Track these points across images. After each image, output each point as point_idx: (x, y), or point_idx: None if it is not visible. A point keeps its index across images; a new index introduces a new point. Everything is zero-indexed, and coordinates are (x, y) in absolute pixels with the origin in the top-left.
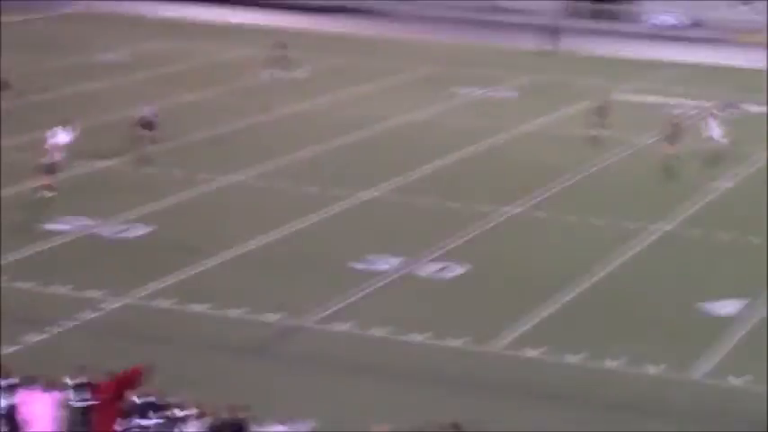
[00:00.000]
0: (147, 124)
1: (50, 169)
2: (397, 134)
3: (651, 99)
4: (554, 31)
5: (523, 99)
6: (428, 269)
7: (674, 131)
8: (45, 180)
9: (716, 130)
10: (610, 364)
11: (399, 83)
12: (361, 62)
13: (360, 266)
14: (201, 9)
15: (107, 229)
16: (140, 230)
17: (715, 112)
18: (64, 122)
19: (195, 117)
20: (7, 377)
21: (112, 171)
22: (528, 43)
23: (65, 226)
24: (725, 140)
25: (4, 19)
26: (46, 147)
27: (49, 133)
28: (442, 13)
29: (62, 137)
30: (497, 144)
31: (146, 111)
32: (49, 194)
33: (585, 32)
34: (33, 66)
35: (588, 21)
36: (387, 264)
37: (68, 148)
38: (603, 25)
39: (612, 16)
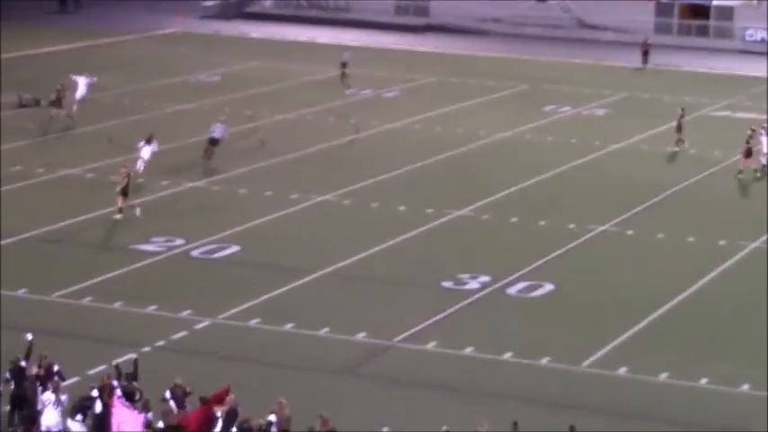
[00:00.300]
0: (214, 141)
1: (124, 191)
2: (488, 152)
3: (742, 115)
4: (645, 48)
5: (614, 116)
6: (516, 287)
7: (750, 146)
8: (120, 202)
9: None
10: (697, 383)
11: (491, 101)
12: (452, 81)
13: (449, 285)
14: (292, 29)
15: (196, 249)
16: (229, 250)
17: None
18: (148, 138)
19: (286, 137)
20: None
21: (202, 191)
22: (619, 60)
23: (154, 246)
24: None
25: (100, 41)
26: (123, 169)
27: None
28: (533, 31)
29: (146, 151)
30: (588, 162)
31: (216, 130)
32: (118, 216)
33: (676, 48)
34: (125, 86)
35: (679, 37)
36: (476, 282)
37: (153, 163)
38: (694, 41)
39: (703, 32)
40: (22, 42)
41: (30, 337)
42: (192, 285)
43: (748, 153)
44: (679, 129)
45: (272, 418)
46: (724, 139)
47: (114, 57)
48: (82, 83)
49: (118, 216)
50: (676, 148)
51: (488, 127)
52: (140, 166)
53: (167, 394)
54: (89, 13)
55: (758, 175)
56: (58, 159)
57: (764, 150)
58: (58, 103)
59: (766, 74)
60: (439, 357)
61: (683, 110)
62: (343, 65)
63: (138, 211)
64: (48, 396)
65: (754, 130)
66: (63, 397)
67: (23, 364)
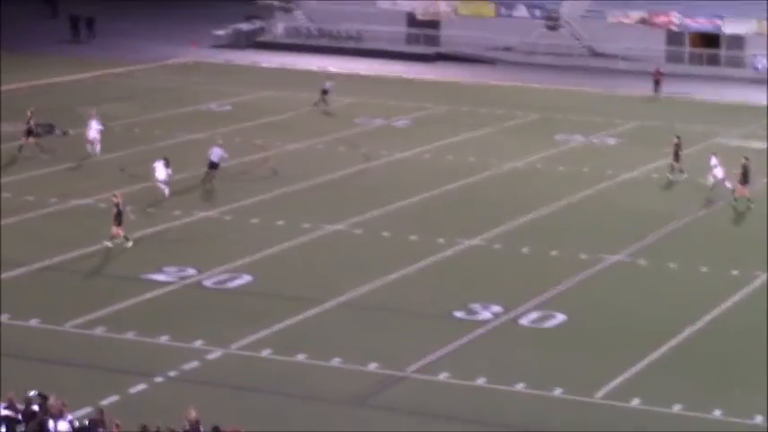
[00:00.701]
0: (213, 165)
1: (118, 219)
2: (499, 182)
3: (754, 144)
4: (657, 77)
5: (626, 145)
6: (529, 318)
7: (744, 173)
8: (115, 230)
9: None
10: (710, 414)
11: (501, 130)
12: (462, 110)
13: (461, 315)
14: (303, 58)
15: (209, 279)
16: (242, 280)
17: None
18: (165, 160)
19: (297, 166)
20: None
21: (214, 220)
22: (630, 89)
23: (166, 276)
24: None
25: (113, 70)
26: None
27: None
28: (544, 59)
29: (160, 172)
30: (599, 191)
31: (213, 154)
32: (110, 244)
33: (688, 77)
34: (137, 116)
35: (690, 65)
36: (488, 312)
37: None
38: (705, 70)
39: (714, 61)
40: (35, 72)
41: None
42: (205, 315)
43: (744, 180)
44: (676, 157)
45: None
46: (736, 169)
47: (126, 86)
48: (94, 126)
49: (108, 243)
50: (671, 176)
51: (499, 156)
52: (164, 189)
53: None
54: (102, 42)
55: (751, 205)
56: (71, 189)
57: (719, 176)
58: (29, 132)
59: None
60: (451, 388)
61: (678, 138)
62: (324, 92)
63: (129, 243)
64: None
65: (747, 159)
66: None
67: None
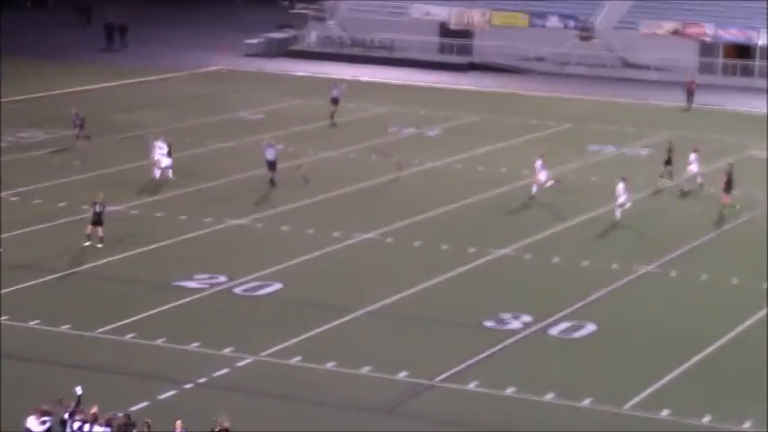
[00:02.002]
0: (272, 164)
1: (98, 220)
2: (530, 192)
3: None
4: (690, 88)
5: (658, 156)
6: (558, 328)
7: (728, 180)
8: (90, 229)
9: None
10: (740, 426)
11: (533, 140)
12: (494, 119)
13: (490, 324)
14: (335, 67)
15: (239, 286)
16: (272, 287)
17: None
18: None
19: (328, 174)
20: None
21: (244, 228)
22: (663, 100)
23: (197, 283)
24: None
25: (145, 78)
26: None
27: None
28: (576, 70)
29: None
30: (633, 202)
31: (268, 152)
32: (96, 245)
33: (720, 88)
34: (169, 124)
35: (723, 77)
36: (518, 322)
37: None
38: (738, 81)
39: (747, 72)
40: (68, 80)
41: (79, 391)
42: (235, 323)
43: (728, 188)
44: (668, 162)
45: None
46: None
47: (158, 94)
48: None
49: (87, 243)
50: (662, 182)
51: (531, 166)
52: (158, 173)
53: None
54: (134, 50)
55: (737, 207)
56: (103, 196)
57: (694, 170)
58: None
59: None
60: (480, 397)
61: (670, 142)
62: (334, 101)
63: (100, 244)
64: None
65: (732, 165)
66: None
67: (66, 416)
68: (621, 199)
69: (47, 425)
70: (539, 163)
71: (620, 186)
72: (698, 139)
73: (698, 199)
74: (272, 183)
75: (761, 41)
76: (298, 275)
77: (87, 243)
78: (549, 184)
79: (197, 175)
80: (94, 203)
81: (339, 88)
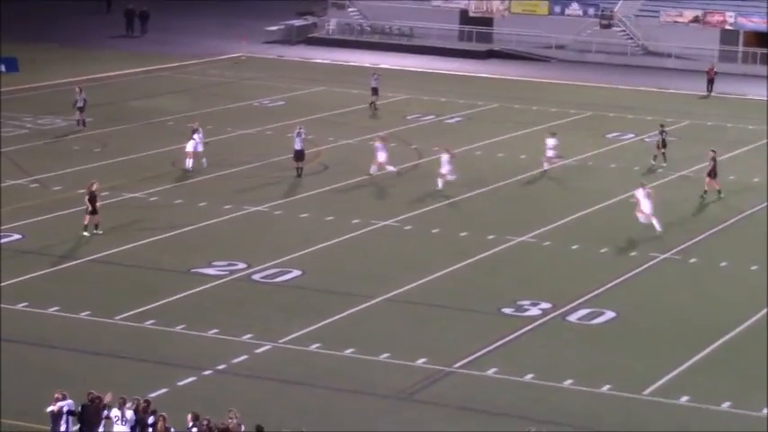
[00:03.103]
0: (299, 154)
1: (92, 210)
2: (550, 179)
3: None
4: (710, 76)
5: (678, 144)
6: (577, 314)
7: (714, 166)
8: (86, 219)
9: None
10: (760, 412)
11: (553, 128)
12: (514, 107)
13: (509, 311)
14: (355, 54)
15: (258, 273)
16: (291, 274)
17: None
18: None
19: (348, 162)
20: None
21: (264, 215)
22: (683, 88)
23: (216, 270)
24: None
25: (165, 65)
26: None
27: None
28: (597, 57)
29: (190, 144)
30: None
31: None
32: (88, 233)
33: (741, 77)
34: (189, 110)
35: (743, 65)
36: (537, 309)
37: (216, 188)
38: (759, 69)
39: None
40: (89, 66)
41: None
42: (254, 309)
43: (712, 174)
44: (662, 145)
45: None
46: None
47: (179, 81)
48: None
49: (86, 233)
50: (654, 163)
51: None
52: (190, 163)
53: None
54: (155, 37)
55: (722, 196)
56: (122, 183)
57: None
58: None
59: None
60: (499, 383)
61: (662, 126)
62: (374, 90)
63: (99, 231)
64: (114, 413)
65: (715, 152)
66: (129, 413)
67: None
68: (644, 207)
69: (66, 408)
70: (551, 142)
71: (640, 192)
72: (718, 127)
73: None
74: (299, 173)
75: None
76: (317, 262)
77: (87, 233)
78: (556, 162)
79: (217, 163)
80: (91, 192)
81: (377, 77)
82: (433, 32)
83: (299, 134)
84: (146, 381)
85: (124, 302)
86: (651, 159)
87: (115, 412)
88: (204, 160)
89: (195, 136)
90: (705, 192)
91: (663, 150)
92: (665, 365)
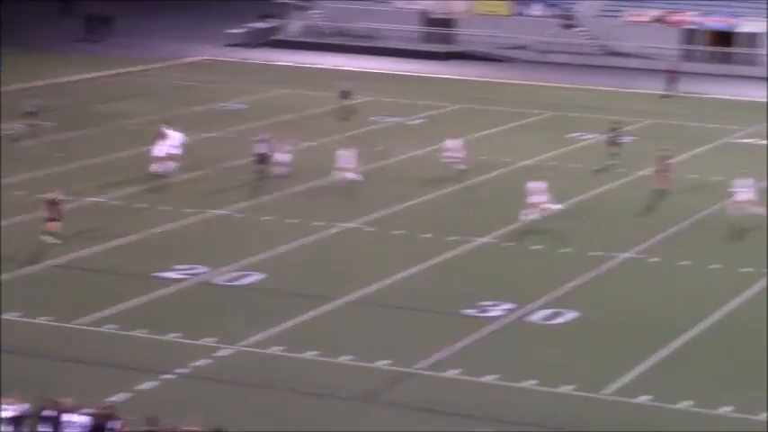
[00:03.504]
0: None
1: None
2: (512, 179)
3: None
4: (672, 75)
5: (640, 144)
6: (539, 315)
7: (665, 165)
8: (49, 225)
9: None
10: (720, 410)
11: (515, 128)
12: (476, 108)
13: (471, 312)
14: (318, 56)
15: (220, 277)
16: (253, 278)
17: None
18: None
19: (311, 164)
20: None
21: (225, 218)
22: (644, 87)
23: (177, 273)
24: None
25: (128, 69)
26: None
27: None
28: (558, 58)
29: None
30: (612, 189)
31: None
32: (51, 240)
33: (701, 76)
34: (152, 114)
35: (704, 63)
36: (498, 309)
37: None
38: (719, 68)
39: (728, 59)
40: (50, 70)
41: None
42: (215, 313)
43: (663, 173)
44: (612, 143)
45: None
46: (749, 167)
47: (142, 84)
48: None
49: (50, 239)
50: (608, 162)
51: (512, 154)
52: (160, 166)
53: None
54: (117, 41)
55: (669, 195)
56: (85, 187)
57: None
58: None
59: None
60: (461, 385)
61: (615, 123)
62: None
63: (51, 239)
64: (69, 418)
65: (667, 149)
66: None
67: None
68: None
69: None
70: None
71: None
72: (680, 127)
73: (679, 186)
74: (263, 176)
75: (742, 29)
76: (279, 265)
77: (48, 239)
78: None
79: (180, 166)
80: (52, 200)
81: (351, 82)
82: (396, 34)
83: (262, 140)
84: (106, 386)
85: (84, 307)
86: (607, 160)
87: (70, 417)
88: (173, 164)
89: (166, 138)
90: (660, 191)
91: (614, 149)
92: (627, 364)
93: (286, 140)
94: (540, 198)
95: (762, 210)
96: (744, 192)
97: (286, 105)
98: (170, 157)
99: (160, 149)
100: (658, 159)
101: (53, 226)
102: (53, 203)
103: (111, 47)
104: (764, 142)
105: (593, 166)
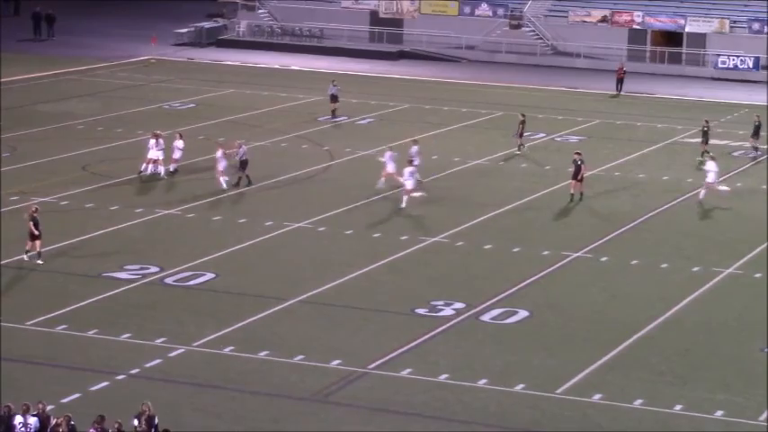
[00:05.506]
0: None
1: (34, 234)
2: (462, 179)
3: (714, 142)
4: (620, 75)
5: (588, 143)
6: (491, 314)
7: (576, 168)
8: (28, 244)
9: None
10: (671, 409)
11: (465, 128)
12: (426, 108)
13: (423, 312)
14: (265, 56)
15: (171, 277)
16: (204, 278)
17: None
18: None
19: (260, 164)
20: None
21: (176, 218)
22: (593, 87)
23: (128, 274)
24: None
25: (74, 68)
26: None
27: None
28: (507, 58)
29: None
30: (562, 189)
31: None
32: (27, 258)
33: (649, 76)
34: (99, 114)
35: (651, 64)
36: (450, 309)
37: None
38: (667, 68)
39: (676, 59)
40: None
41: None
42: (166, 313)
43: (577, 176)
44: (521, 135)
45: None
46: (696, 166)
47: (88, 84)
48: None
49: (25, 257)
50: (518, 152)
51: (462, 154)
52: (155, 168)
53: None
54: (63, 40)
55: (581, 200)
56: (32, 187)
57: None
58: None
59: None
60: (414, 384)
61: (523, 115)
62: (333, 98)
63: (40, 260)
64: (18, 420)
65: (579, 154)
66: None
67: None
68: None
69: None
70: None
71: (387, 155)
72: (628, 126)
73: (628, 186)
74: (248, 180)
75: (689, 29)
76: (230, 265)
77: (27, 257)
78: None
79: (127, 166)
80: (33, 215)
81: (336, 85)
82: (344, 34)
83: (240, 146)
84: (58, 386)
85: (35, 308)
86: (516, 151)
87: (19, 419)
88: (161, 168)
89: (152, 143)
90: (572, 195)
91: (520, 140)
92: (578, 364)
93: (233, 140)
94: (391, 167)
95: (726, 189)
96: (711, 173)
97: (233, 105)
98: (159, 161)
99: (154, 153)
100: (572, 163)
101: (32, 244)
102: (35, 221)
103: (57, 46)
104: (712, 142)
105: (544, 165)
